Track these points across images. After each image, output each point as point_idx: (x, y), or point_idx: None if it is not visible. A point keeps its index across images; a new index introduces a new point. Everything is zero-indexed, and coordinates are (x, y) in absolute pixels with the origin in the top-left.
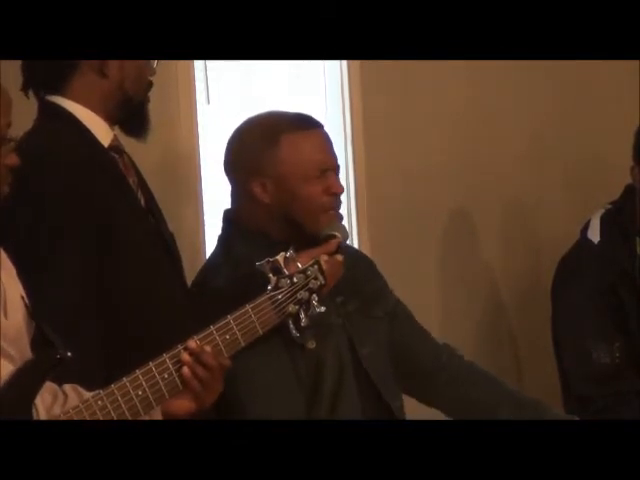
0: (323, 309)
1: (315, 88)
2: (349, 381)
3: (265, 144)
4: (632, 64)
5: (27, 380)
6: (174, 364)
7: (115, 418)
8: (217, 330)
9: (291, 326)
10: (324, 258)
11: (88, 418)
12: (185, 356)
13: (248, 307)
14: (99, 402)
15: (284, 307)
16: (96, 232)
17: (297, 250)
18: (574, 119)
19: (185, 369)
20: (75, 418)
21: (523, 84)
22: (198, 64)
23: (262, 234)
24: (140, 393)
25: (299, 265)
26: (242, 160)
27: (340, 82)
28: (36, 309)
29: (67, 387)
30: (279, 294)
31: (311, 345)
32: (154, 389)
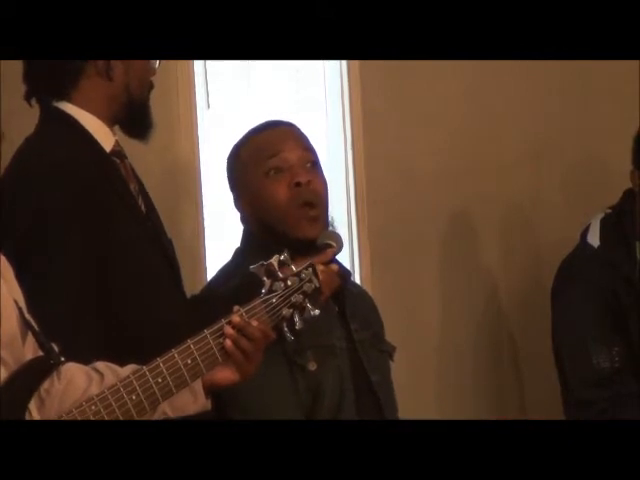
0: (317, 312)
1: (315, 89)
2: (349, 405)
3: (231, 161)
4: (632, 64)
5: (20, 386)
6: (182, 359)
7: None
8: (211, 334)
9: (285, 329)
10: (320, 268)
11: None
12: (228, 329)
13: (242, 311)
14: (92, 407)
15: (278, 311)
16: (97, 236)
17: (292, 258)
18: (574, 121)
19: (227, 341)
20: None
21: (523, 85)
22: (198, 68)
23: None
24: (134, 397)
25: (293, 268)
26: (229, 187)
27: (340, 82)
28: (36, 312)
29: (100, 365)
30: (273, 297)
31: (312, 367)
32: (147, 393)
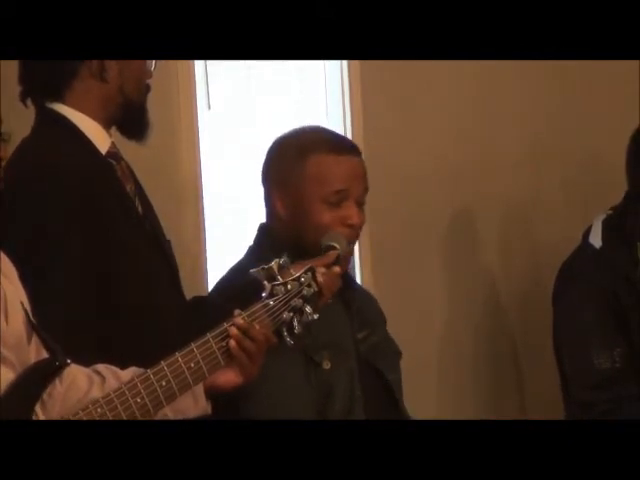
0: (316, 317)
1: (315, 89)
2: (359, 409)
3: (293, 159)
4: (632, 64)
5: (27, 388)
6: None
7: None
8: (213, 338)
9: (285, 334)
10: (321, 270)
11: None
12: (233, 330)
13: (244, 314)
14: (97, 409)
15: (279, 315)
16: (96, 237)
17: (294, 260)
18: (574, 121)
19: (232, 342)
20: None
21: (523, 85)
22: (199, 69)
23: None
24: (139, 400)
25: (292, 272)
26: (271, 171)
27: (340, 82)
28: (37, 315)
29: (101, 367)
30: (274, 301)
31: (326, 365)
32: (152, 396)
